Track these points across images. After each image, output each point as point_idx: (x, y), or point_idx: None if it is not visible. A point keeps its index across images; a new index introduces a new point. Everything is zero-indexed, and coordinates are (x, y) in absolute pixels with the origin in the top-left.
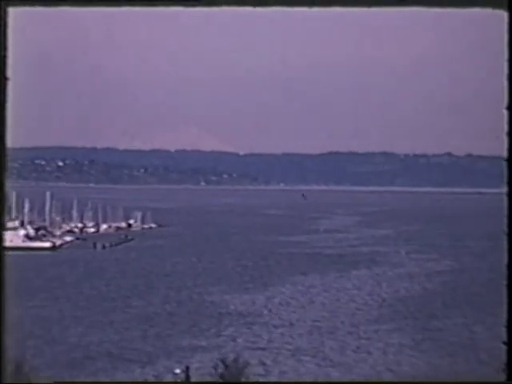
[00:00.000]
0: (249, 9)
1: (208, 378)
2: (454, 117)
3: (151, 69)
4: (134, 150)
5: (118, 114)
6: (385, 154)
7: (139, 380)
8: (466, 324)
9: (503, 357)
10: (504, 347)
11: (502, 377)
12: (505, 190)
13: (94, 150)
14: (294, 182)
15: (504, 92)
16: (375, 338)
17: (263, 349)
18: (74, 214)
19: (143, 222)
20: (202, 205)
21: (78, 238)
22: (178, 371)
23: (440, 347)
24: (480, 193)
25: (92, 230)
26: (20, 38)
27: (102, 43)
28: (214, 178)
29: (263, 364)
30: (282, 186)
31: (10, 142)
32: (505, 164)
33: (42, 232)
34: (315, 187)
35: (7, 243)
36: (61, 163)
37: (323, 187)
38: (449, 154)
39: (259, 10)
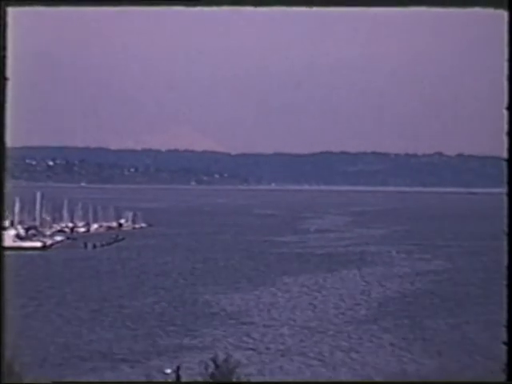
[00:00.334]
0: (249, 8)
1: (198, 378)
2: (448, 117)
3: (148, 69)
4: (125, 149)
5: (110, 114)
6: (376, 153)
7: (138, 380)
8: (457, 324)
9: (503, 357)
10: (504, 347)
11: (502, 377)
12: (496, 190)
13: (86, 149)
14: (286, 181)
15: (504, 92)
16: (365, 337)
17: (253, 349)
18: (65, 213)
19: (134, 221)
20: (193, 205)
21: (68, 238)
22: (168, 371)
23: (431, 346)
24: (471, 193)
25: (83, 229)
26: (19, 37)
27: (102, 43)
28: (205, 178)
29: (253, 363)
30: (273, 185)
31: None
32: (505, 164)
33: (32, 232)
34: (307, 187)
35: None
36: (51, 163)
37: (315, 187)
38: (439, 154)
39: (259, 9)
